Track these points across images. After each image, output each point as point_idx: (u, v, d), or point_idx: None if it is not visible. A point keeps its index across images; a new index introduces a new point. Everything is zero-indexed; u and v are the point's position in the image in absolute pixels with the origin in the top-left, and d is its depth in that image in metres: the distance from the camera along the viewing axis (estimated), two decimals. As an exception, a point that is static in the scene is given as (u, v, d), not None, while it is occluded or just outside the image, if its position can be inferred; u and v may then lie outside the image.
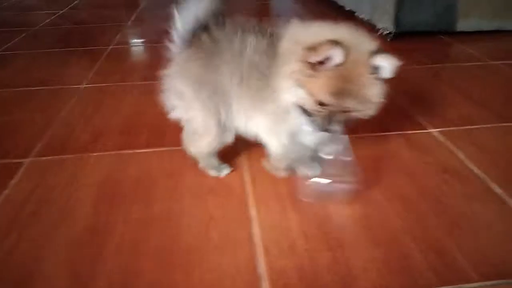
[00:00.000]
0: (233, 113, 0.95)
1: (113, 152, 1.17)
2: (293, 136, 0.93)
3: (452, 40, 2.05)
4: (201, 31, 0.92)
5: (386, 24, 2.02)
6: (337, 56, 0.78)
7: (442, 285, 0.76)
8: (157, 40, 1.65)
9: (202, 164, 1.06)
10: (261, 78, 0.89)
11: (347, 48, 0.77)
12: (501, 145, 1.19)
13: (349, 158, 0.89)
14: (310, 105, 0.84)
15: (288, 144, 0.95)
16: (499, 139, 1.21)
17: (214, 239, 0.86)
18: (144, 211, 0.95)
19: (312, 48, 0.78)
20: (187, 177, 1.06)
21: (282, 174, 1.03)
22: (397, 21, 1.99)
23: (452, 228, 0.89)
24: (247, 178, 1.06)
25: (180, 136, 1.09)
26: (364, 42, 0.83)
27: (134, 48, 2.19)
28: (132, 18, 2.68)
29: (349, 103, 0.82)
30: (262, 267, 0.78)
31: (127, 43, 2.23)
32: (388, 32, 2.03)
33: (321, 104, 0.82)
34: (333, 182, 0.93)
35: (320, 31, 0.84)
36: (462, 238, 0.86)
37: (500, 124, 1.29)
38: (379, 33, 2.05)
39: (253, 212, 0.93)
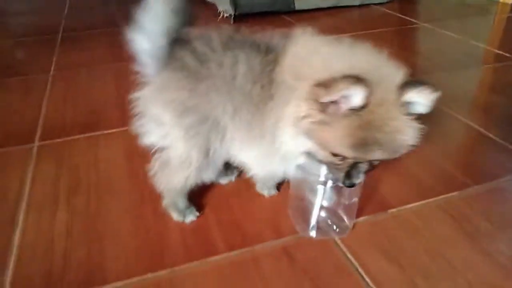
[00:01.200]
0: (227, 143, 0.79)
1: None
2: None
3: (293, 19, 2.13)
4: (179, 46, 0.75)
5: (226, 6, 2.05)
6: (357, 96, 0.59)
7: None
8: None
9: (166, 202, 0.89)
10: (255, 112, 0.72)
11: (370, 85, 0.59)
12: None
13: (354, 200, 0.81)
14: (324, 157, 0.68)
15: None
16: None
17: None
18: None
19: (323, 85, 0.60)
20: None
21: (273, 192, 0.95)
22: (235, 3, 2.02)
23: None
24: (28, 179, 1.03)
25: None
26: (389, 72, 0.64)
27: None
28: None
29: (379, 155, 0.64)
30: (8, 275, 0.75)
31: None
32: (229, 14, 2.05)
33: (339, 155, 0.66)
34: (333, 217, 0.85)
35: (332, 57, 0.66)
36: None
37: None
38: (220, 16, 2.07)
39: (21, 216, 0.88)
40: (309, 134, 0.66)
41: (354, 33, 2.01)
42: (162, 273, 0.77)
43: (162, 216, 0.90)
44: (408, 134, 0.63)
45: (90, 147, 1.16)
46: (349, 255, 0.80)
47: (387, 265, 0.78)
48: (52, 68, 1.72)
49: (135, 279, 0.76)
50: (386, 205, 0.92)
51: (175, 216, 0.89)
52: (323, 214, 0.85)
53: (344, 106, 0.61)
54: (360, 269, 0.77)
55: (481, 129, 1.22)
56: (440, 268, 0.77)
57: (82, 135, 1.22)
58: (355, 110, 0.61)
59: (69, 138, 1.21)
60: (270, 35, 0.76)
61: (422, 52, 1.95)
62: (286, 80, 0.68)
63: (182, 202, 0.89)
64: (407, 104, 0.62)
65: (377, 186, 0.97)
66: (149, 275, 0.76)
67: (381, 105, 0.61)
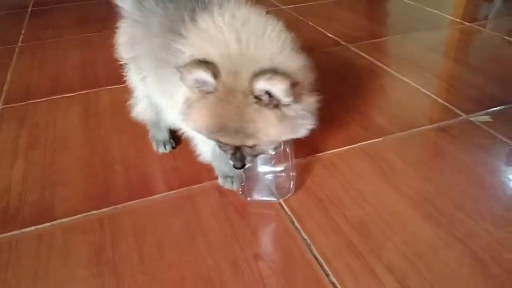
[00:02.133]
0: (148, 85, 0.88)
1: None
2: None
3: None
4: None
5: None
6: (205, 81, 0.63)
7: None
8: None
9: (149, 135, 1.05)
10: (163, 67, 0.75)
11: (217, 71, 0.62)
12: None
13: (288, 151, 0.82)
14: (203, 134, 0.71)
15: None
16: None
17: None
18: None
19: (182, 67, 0.63)
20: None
21: (227, 185, 0.90)
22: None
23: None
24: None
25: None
26: (254, 59, 0.64)
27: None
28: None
29: (230, 140, 0.68)
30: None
31: None
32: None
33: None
34: (278, 175, 0.86)
35: (209, 38, 0.68)
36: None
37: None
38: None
39: (-19, 168, 0.97)
40: (185, 111, 0.68)
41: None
42: (105, 209, 0.87)
43: (111, 165, 0.99)
44: (259, 123, 0.64)
45: (51, 109, 1.24)
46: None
47: (305, 198, 0.88)
48: (20, 40, 1.78)
49: (79, 216, 0.85)
50: (315, 150, 1.02)
51: (154, 146, 1.02)
52: (267, 177, 0.87)
53: (202, 90, 0.65)
54: (281, 201, 0.87)
55: (415, 85, 1.32)
56: (352, 199, 0.87)
57: (43, 99, 1.30)
58: (208, 94, 0.64)
59: (31, 101, 1.29)
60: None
61: (378, 17, 2.04)
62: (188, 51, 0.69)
63: (159, 135, 1.01)
64: (263, 93, 0.62)
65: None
66: (93, 212, 0.86)
67: (231, 92, 0.63)
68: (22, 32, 1.87)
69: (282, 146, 0.79)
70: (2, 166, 1.00)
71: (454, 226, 0.80)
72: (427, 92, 1.28)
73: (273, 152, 0.78)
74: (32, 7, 2.22)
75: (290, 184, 0.87)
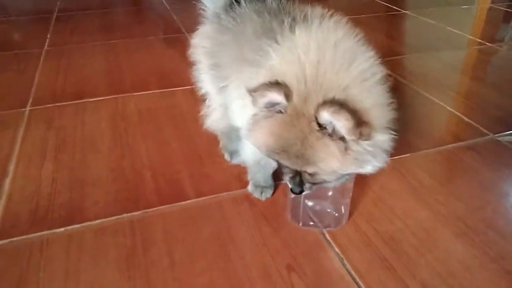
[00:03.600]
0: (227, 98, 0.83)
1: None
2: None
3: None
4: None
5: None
6: (274, 101, 0.62)
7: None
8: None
9: (220, 144, 1.03)
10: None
11: (289, 94, 0.61)
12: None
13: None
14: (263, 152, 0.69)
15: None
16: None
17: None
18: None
19: (255, 91, 0.63)
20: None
21: (256, 194, 0.90)
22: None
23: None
24: (19, 138, 1.13)
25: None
26: (326, 86, 0.62)
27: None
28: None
29: (288, 163, 0.66)
30: (-1, 214, 0.85)
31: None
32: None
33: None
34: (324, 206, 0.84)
35: (283, 58, 0.66)
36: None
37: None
38: None
39: (11, 167, 0.97)
40: (247, 128, 0.68)
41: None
42: (136, 213, 0.87)
43: (140, 170, 1.00)
44: (320, 152, 0.62)
45: (78, 112, 1.26)
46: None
47: (335, 210, 0.87)
48: (46, 44, 1.81)
49: (111, 218, 0.85)
50: (343, 163, 1.01)
51: (225, 156, 1.01)
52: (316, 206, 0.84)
53: (270, 110, 0.64)
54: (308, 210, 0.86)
55: (439, 102, 1.32)
56: (382, 214, 0.87)
57: (70, 102, 1.31)
58: (276, 114, 0.63)
59: (58, 104, 1.30)
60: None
61: (397, 35, 2.05)
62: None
63: (231, 146, 0.99)
64: (328, 123, 0.60)
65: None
66: (124, 215, 0.86)
67: (298, 116, 0.62)
68: (48, 37, 1.90)
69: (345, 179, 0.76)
70: (32, 167, 1.01)
71: (487, 245, 0.79)
72: (452, 110, 1.28)
73: (335, 184, 0.74)
74: (57, 12, 2.26)
75: (342, 218, 0.85)
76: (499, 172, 1.00)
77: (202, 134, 1.04)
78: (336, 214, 0.84)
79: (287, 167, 0.68)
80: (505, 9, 2.41)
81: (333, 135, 0.61)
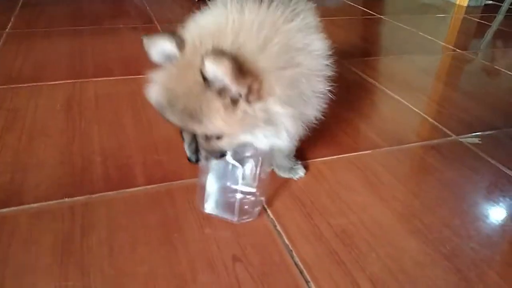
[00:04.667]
0: None
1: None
2: None
3: None
4: None
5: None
6: (168, 52, 0.62)
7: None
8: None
9: None
10: None
11: (182, 44, 0.61)
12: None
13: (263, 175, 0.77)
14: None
15: None
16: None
17: None
18: None
19: (147, 37, 0.62)
20: None
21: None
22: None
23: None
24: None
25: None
26: (220, 39, 0.60)
27: None
28: None
29: (176, 119, 0.61)
30: None
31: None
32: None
33: None
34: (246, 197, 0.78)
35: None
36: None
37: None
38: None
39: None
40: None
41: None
42: (79, 198, 0.82)
43: (89, 155, 0.95)
44: (203, 106, 0.58)
45: (32, 95, 1.20)
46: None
47: (289, 202, 0.85)
48: (9, 27, 1.73)
49: (51, 202, 0.80)
50: (302, 157, 0.99)
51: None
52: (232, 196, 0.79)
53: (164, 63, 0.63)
54: (264, 204, 0.83)
55: (406, 103, 1.31)
56: (337, 208, 0.84)
57: (26, 84, 1.25)
58: (167, 66, 0.62)
59: (13, 86, 1.23)
60: None
61: (372, 38, 2.05)
62: None
63: None
64: (213, 75, 0.56)
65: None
66: (66, 199, 0.81)
67: (185, 67, 0.60)
68: (11, 20, 1.82)
69: (254, 165, 0.74)
70: (-27, 147, 0.94)
71: (441, 243, 0.77)
72: (417, 111, 1.27)
73: (241, 167, 0.73)
74: (25, -3, 2.18)
75: (254, 209, 0.79)
76: (459, 171, 0.99)
77: (160, 123, 0.99)
78: (247, 207, 0.78)
79: (181, 131, 0.65)
80: (478, 20, 2.45)
81: (222, 92, 0.58)
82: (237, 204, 0.77)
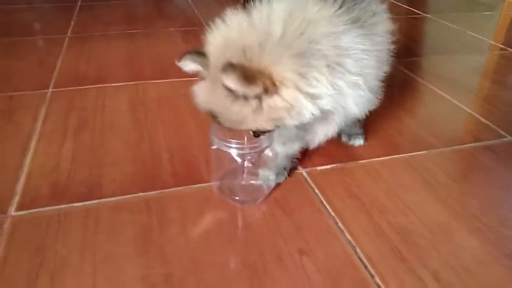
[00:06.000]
0: None
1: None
2: None
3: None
4: None
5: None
6: (194, 68, 0.73)
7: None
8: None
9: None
10: None
11: (206, 62, 0.71)
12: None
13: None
14: None
15: None
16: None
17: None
18: None
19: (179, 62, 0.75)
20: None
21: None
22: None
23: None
24: (41, 117, 1.16)
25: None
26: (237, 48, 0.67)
27: None
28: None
29: (222, 124, 0.73)
30: (20, 186, 0.87)
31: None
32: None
33: None
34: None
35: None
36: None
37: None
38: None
39: (33, 143, 1.00)
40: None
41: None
42: (152, 193, 0.88)
43: (157, 152, 1.01)
44: (237, 114, 0.68)
45: (98, 95, 1.28)
46: (316, 190, 0.90)
47: (348, 200, 0.88)
48: (69, 31, 1.84)
49: (127, 196, 0.87)
50: (357, 157, 1.02)
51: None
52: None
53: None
54: (324, 201, 0.88)
55: (457, 103, 1.31)
56: (395, 207, 0.87)
57: (91, 86, 1.34)
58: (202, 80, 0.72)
59: (79, 87, 1.33)
60: None
61: (418, 37, 2.04)
62: None
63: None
64: (231, 85, 0.64)
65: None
66: (140, 194, 0.88)
67: (213, 82, 0.69)
68: (71, 24, 1.93)
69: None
70: (52, 145, 1.03)
71: (502, 242, 0.79)
72: (469, 111, 1.27)
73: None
74: (81, 2, 2.30)
75: (259, 196, 0.87)
76: (516, 173, 0.99)
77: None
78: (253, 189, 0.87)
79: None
80: (528, 16, 2.38)
81: (246, 97, 0.66)
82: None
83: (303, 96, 0.68)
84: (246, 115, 0.68)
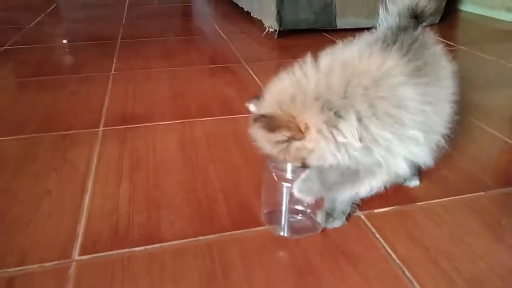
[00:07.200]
0: None
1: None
2: None
3: (334, 37, 2.26)
4: None
5: (271, 22, 2.21)
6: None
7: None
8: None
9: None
10: None
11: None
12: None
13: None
14: None
15: None
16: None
17: (45, 208, 0.97)
18: None
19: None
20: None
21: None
22: (280, 20, 2.17)
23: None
24: (95, 156, 1.18)
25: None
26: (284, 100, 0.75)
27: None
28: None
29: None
30: (81, 229, 0.88)
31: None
32: (274, 30, 2.20)
33: None
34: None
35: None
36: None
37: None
38: (266, 31, 2.23)
39: (89, 184, 1.02)
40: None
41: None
42: (212, 236, 0.88)
43: (212, 192, 1.02)
44: (293, 155, 0.76)
45: (148, 134, 1.31)
46: (378, 235, 0.89)
47: (412, 246, 0.86)
48: (113, 68, 1.90)
49: (188, 240, 0.87)
50: (414, 199, 1.00)
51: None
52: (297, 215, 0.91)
53: None
54: (387, 247, 0.86)
55: (508, 140, 1.28)
56: (462, 253, 0.84)
57: (140, 124, 1.37)
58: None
59: (129, 126, 1.36)
60: None
61: (458, 71, 2.02)
62: None
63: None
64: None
65: (407, 182, 1.05)
66: (200, 237, 0.88)
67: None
68: (114, 61, 2.00)
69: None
70: (109, 185, 1.05)
71: None
72: (523, 149, 1.24)
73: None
74: (121, 39, 2.38)
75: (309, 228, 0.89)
76: None
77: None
78: (309, 223, 0.89)
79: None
80: None
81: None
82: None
83: (324, 141, 0.73)
84: (289, 158, 0.77)
